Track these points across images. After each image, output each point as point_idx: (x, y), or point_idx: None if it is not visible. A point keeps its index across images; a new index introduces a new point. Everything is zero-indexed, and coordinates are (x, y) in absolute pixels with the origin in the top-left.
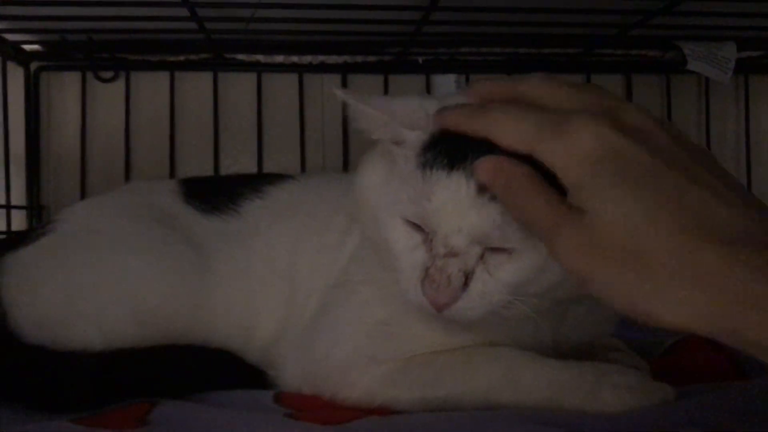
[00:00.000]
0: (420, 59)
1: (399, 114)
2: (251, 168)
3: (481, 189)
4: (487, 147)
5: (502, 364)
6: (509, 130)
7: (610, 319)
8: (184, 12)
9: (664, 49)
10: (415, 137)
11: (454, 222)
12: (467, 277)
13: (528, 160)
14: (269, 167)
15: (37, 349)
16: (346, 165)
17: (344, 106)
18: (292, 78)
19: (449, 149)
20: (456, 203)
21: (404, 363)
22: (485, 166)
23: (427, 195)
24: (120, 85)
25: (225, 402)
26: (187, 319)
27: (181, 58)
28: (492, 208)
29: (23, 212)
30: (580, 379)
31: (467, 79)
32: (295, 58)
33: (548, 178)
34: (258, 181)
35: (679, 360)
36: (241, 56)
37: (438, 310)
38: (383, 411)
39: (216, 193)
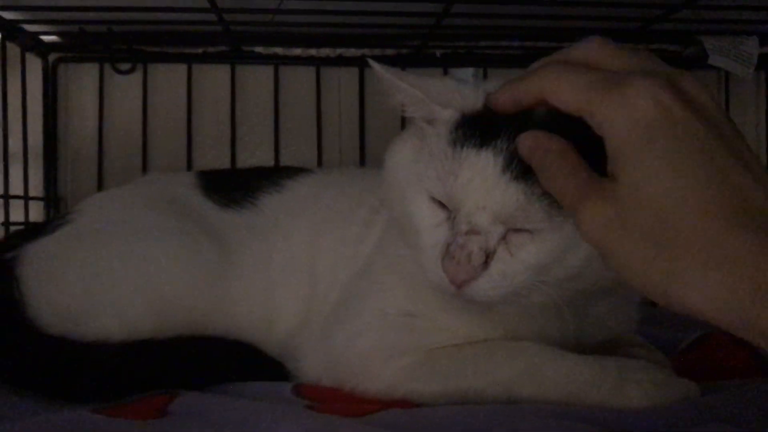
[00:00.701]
0: (438, 52)
1: (433, 92)
2: (268, 161)
3: (507, 168)
4: (520, 125)
5: (525, 358)
6: (563, 88)
7: (631, 317)
8: (203, 3)
9: (684, 44)
10: (448, 115)
11: (479, 199)
12: (488, 257)
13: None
14: (286, 160)
15: (57, 340)
16: (363, 159)
17: (380, 81)
18: (310, 71)
19: (481, 128)
20: (482, 181)
21: (426, 355)
22: (525, 141)
23: (454, 172)
24: (137, 77)
25: (244, 394)
26: (206, 311)
27: (199, 50)
28: (517, 187)
29: (40, 203)
30: (603, 374)
31: (485, 73)
32: (313, 51)
33: (594, 150)
34: (277, 175)
35: (701, 357)
36: (258, 49)
37: (457, 286)
38: (404, 403)
39: (235, 186)
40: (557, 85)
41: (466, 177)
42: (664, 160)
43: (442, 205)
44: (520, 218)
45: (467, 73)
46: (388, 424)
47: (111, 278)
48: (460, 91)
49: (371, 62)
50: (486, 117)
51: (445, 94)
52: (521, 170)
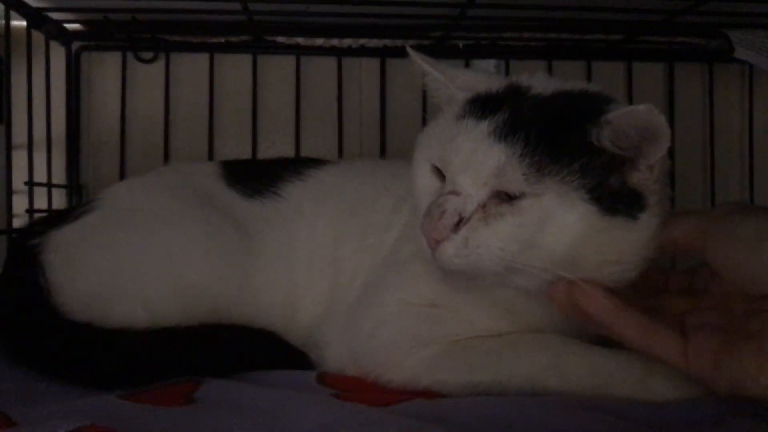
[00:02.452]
0: (460, 44)
1: (456, 77)
2: (289, 151)
3: (494, 132)
4: (519, 103)
5: (550, 350)
6: None
7: None
8: None
9: (709, 37)
10: (462, 96)
11: (464, 160)
12: (461, 221)
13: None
14: (306, 151)
15: (83, 326)
16: (383, 150)
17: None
18: (331, 62)
19: (485, 105)
20: (472, 143)
21: (450, 346)
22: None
23: (452, 137)
24: (160, 66)
25: (268, 382)
26: (230, 299)
27: (222, 39)
28: (499, 147)
29: (62, 191)
30: (628, 367)
31: (507, 65)
32: (335, 42)
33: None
34: (300, 165)
35: None
36: (281, 39)
37: (429, 246)
38: (428, 394)
39: (258, 176)
40: None
41: (460, 140)
42: None
43: (440, 175)
44: (500, 180)
45: (489, 64)
46: (414, 413)
47: (136, 266)
48: (477, 78)
49: (410, 50)
50: (492, 97)
51: (465, 80)
52: (505, 133)
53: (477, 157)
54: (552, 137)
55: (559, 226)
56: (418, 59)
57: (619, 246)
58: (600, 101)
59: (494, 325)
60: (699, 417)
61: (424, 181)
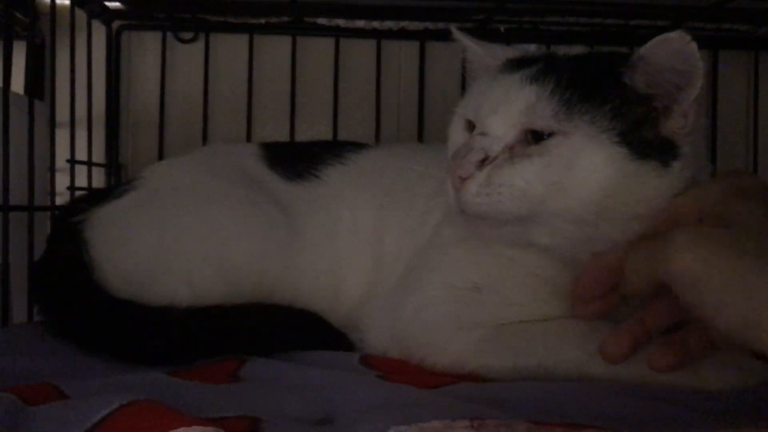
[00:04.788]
0: (502, 28)
1: (497, 52)
2: (326, 134)
3: (526, 76)
4: (550, 62)
5: (597, 338)
6: None
7: None
8: None
9: (758, 23)
10: (499, 62)
11: (495, 102)
12: (486, 159)
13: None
14: (344, 134)
15: (127, 303)
16: (421, 134)
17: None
18: (370, 44)
19: (519, 63)
20: (504, 88)
21: (495, 330)
22: None
23: (487, 91)
24: (199, 46)
25: (311, 362)
26: (274, 279)
27: (262, 21)
28: (530, 88)
29: (101, 170)
30: None
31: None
32: (375, 24)
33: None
34: (340, 148)
35: None
36: (321, 20)
37: (454, 186)
38: (474, 378)
39: (298, 159)
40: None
41: (493, 88)
42: None
43: (473, 129)
44: (529, 117)
45: (530, 49)
46: (465, 396)
47: (180, 244)
48: (514, 50)
49: (452, 28)
50: (528, 58)
51: (503, 52)
52: (537, 77)
53: (508, 98)
54: (584, 80)
55: (587, 168)
56: (458, 35)
57: (649, 194)
58: (631, 54)
59: (539, 309)
60: (750, 407)
61: (457, 136)
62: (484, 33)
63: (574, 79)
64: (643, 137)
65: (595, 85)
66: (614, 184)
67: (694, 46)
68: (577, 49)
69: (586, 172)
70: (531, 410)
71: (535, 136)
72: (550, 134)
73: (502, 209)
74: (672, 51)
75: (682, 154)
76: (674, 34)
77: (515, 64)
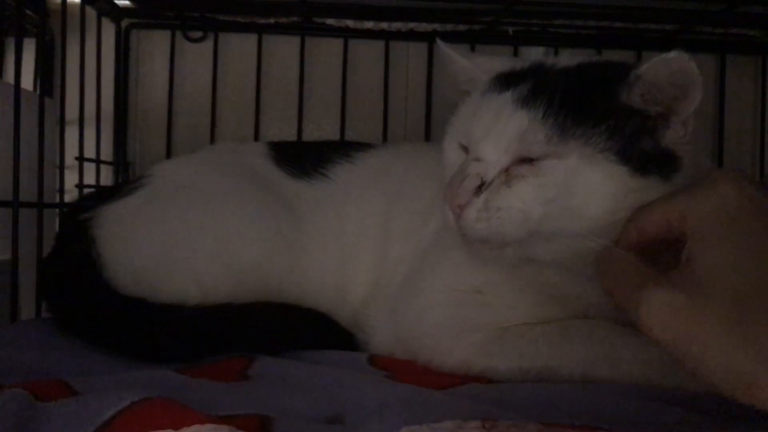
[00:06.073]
0: (510, 30)
1: (480, 63)
2: (334, 134)
3: (517, 100)
4: (540, 76)
5: (600, 338)
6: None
7: None
8: None
9: (766, 28)
10: (487, 77)
11: (486, 126)
12: (483, 185)
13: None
14: (351, 135)
15: (136, 300)
16: (428, 135)
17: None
18: (378, 45)
19: (507, 80)
20: (494, 111)
21: (500, 332)
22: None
23: (476, 112)
24: (208, 45)
25: (320, 361)
26: (281, 278)
27: (271, 20)
28: (521, 113)
29: (109, 168)
30: None
31: (556, 53)
32: (384, 25)
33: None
34: (347, 148)
35: None
36: (330, 21)
37: (453, 213)
38: (480, 379)
39: (306, 158)
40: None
41: (482, 111)
42: (752, 239)
43: (466, 151)
44: (522, 144)
45: (538, 52)
46: (474, 397)
47: (189, 242)
48: (502, 61)
49: (438, 40)
50: (516, 73)
51: (490, 65)
52: (528, 99)
53: (499, 123)
54: (577, 100)
55: (587, 187)
56: (444, 48)
57: None
58: (626, 67)
59: (541, 311)
60: (752, 408)
61: (452, 159)
62: (492, 35)
63: (567, 99)
64: (642, 150)
65: (589, 103)
66: (616, 202)
67: (692, 64)
68: (565, 57)
69: (587, 192)
70: (540, 411)
71: (530, 159)
72: (544, 155)
73: (503, 232)
74: (670, 71)
75: (683, 165)
76: (672, 55)
77: (503, 82)
